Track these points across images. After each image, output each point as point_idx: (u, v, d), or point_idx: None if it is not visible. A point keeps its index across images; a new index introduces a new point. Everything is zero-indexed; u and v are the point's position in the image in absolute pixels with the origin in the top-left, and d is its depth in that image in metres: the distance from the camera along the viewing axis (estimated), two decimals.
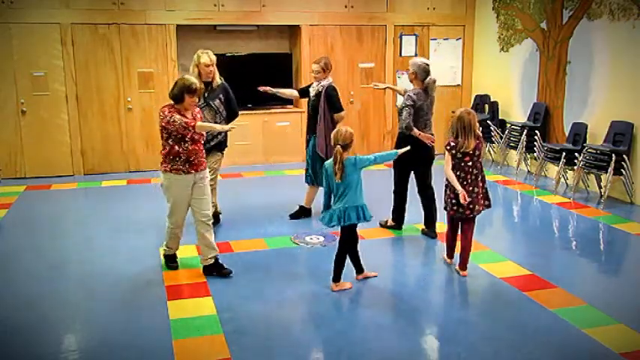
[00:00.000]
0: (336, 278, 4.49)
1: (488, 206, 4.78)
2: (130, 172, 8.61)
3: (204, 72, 5.50)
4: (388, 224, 5.93)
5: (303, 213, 6.29)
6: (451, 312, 4.17)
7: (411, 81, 5.56)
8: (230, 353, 3.59)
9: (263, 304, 4.29)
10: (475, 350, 3.64)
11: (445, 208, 4.78)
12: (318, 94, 5.99)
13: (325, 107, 5.91)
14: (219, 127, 4.97)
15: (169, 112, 4.50)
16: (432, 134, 5.57)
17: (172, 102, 4.57)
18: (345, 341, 3.76)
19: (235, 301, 4.32)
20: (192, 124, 4.49)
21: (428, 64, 5.48)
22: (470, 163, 4.57)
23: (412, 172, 5.72)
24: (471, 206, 4.59)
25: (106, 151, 8.54)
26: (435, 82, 5.50)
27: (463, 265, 4.77)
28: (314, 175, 6.11)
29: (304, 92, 6.28)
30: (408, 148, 4.72)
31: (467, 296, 4.51)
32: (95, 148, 8.49)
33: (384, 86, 6.49)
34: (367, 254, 5.33)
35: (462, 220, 4.73)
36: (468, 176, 4.58)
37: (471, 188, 4.58)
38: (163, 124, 4.49)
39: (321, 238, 5.63)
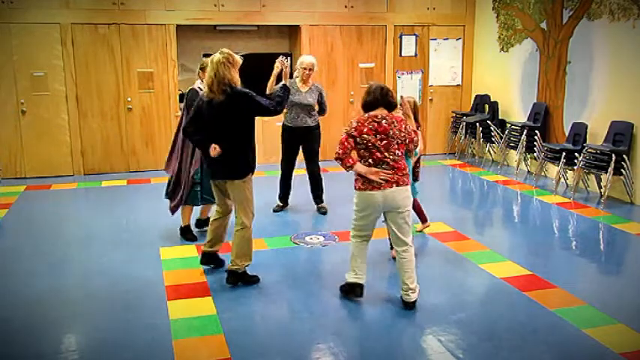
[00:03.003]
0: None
1: None
2: (130, 172, 8.61)
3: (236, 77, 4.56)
4: (276, 209, 6.56)
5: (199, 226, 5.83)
6: (451, 312, 4.17)
7: (309, 77, 6.22)
8: (230, 353, 3.59)
9: (263, 304, 4.29)
10: (475, 350, 3.64)
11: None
12: None
13: None
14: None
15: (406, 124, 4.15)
16: None
17: (367, 112, 4.08)
18: (344, 341, 3.76)
19: (235, 301, 4.32)
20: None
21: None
22: None
23: (301, 150, 6.41)
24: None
25: (106, 151, 8.54)
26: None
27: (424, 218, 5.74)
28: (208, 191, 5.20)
29: None
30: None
31: (467, 296, 4.50)
32: (95, 148, 8.50)
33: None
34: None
35: None
36: None
37: None
38: (411, 137, 4.14)
39: (321, 238, 5.63)
